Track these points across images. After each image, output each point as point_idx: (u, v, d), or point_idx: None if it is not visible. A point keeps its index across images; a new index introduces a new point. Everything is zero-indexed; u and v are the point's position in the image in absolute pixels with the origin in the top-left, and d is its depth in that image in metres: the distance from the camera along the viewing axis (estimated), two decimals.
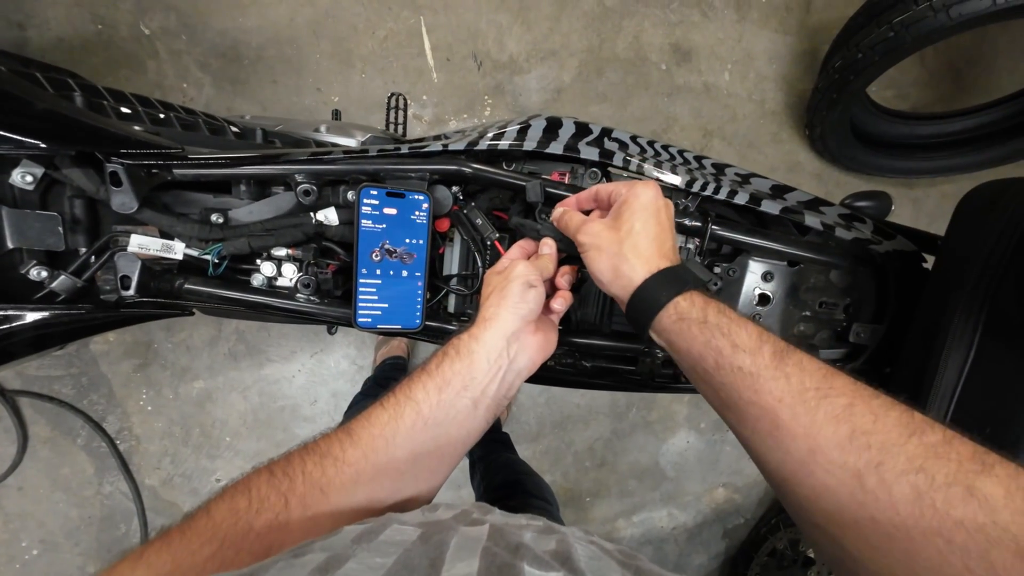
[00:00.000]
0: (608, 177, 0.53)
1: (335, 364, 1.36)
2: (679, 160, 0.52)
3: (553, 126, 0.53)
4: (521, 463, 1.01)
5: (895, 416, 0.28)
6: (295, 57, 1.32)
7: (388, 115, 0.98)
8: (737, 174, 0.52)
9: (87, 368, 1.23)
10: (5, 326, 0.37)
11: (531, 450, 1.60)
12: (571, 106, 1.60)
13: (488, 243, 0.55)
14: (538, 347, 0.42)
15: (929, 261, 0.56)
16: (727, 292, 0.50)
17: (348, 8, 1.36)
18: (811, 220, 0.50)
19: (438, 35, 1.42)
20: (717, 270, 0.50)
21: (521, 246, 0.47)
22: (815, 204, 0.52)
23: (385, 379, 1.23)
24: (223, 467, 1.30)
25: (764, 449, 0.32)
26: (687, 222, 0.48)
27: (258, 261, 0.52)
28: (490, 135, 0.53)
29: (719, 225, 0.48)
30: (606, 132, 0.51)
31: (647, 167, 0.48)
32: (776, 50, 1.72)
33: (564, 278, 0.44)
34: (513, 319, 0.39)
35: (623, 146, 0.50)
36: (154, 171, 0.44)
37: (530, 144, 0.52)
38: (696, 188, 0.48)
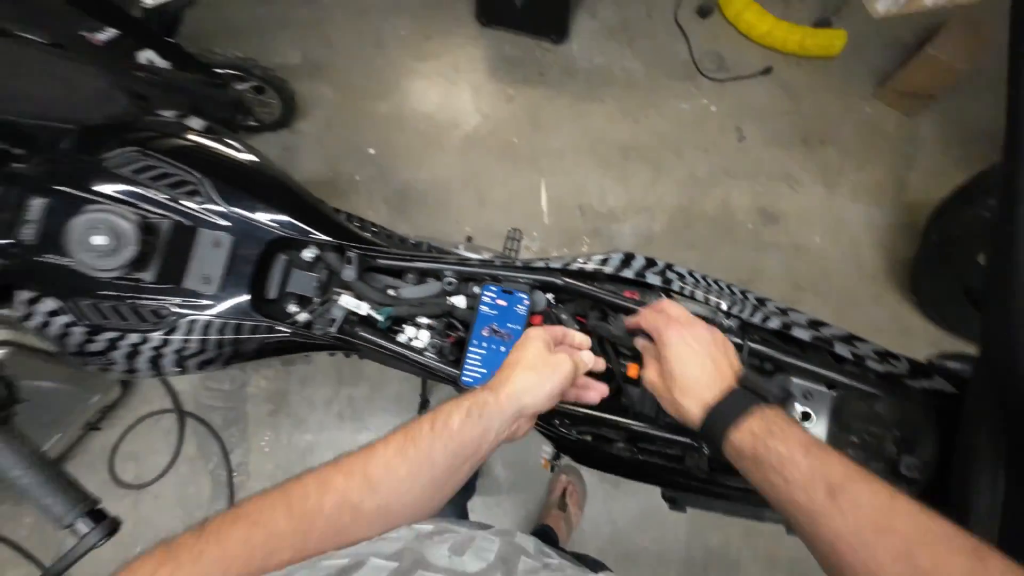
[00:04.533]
0: (671, 298, 0.68)
1: None
2: (726, 292, 0.65)
3: (628, 258, 0.71)
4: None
5: (959, 563, 0.27)
6: (446, 198, 1.79)
7: (506, 243, 1.28)
8: (776, 307, 0.62)
9: (237, 404, 1.55)
10: (273, 335, 0.62)
11: None
12: (660, 252, 1.81)
13: None
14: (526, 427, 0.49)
15: None
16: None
17: (490, 169, 1.84)
18: (841, 349, 0.57)
19: (553, 190, 1.82)
20: None
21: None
22: (849, 338, 0.59)
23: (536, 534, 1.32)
24: None
25: (832, 573, 0.33)
26: (730, 338, 0.59)
27: (405, 325, 0.74)
28: (580, 260, 0.73)
29: (757, 344, 0.57)
30: (668, 266, 0.68)
31: (698, 293, 0.62)
32: (871, 220, 1.81)
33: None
34: (537, 401, 0.45)
35: (681, 277, 0.66)
36: (368, 259, 0.71)
37: (609, 269, 0.70)
38: (734, 311, 0.60)
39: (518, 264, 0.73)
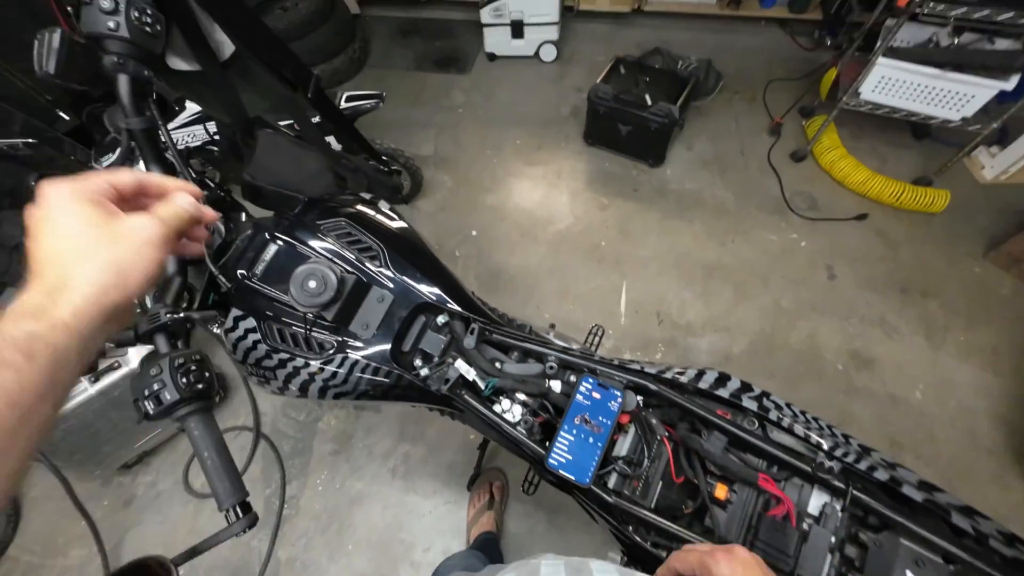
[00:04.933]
0: (763, 427, 0.69)
1: (459, 520, 1.47)
2: (827, 431, 0.65)
3: (723, 378, 0.75)
4: None
5: None
6: (532, 284, 1.94)
7: (589, 337, 1.36)
8: (883, 459, 0.61)
9: (307, 437, 1.65)
10: (399, 382, 0.73)
11: None
12: (737, 374, 1.77)
13: (655, 442, 0.73)
14: None
15: None
16: (874, 564, 0.53)
17: (576, 265, 1.99)
18: (960, 521, 0.53)
19: (633, 294, 1.90)
20: (863, 538, 0.55)
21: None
22: (969, 511, 0.55)
23: (481, 550, 1.29)
24: (334, 573, 1.42)
25: None
26: (832, 481, 0.58)
27: (502, 397, 0.81)
28: (675, 370, 0.78)
29: (862, 493, 0.56)
30: (765, 393, 0.70)
31: (797, 427, 0.64)
32: (985, 387, 1.65)
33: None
34: (125, 294, 0.32)
35: (778, 407, 0.68)
36: (485, 332, 0.82)
37: (703, 385, 0.74)
38: (837, 453, 0.59)
39: (615, 362, 0.80)
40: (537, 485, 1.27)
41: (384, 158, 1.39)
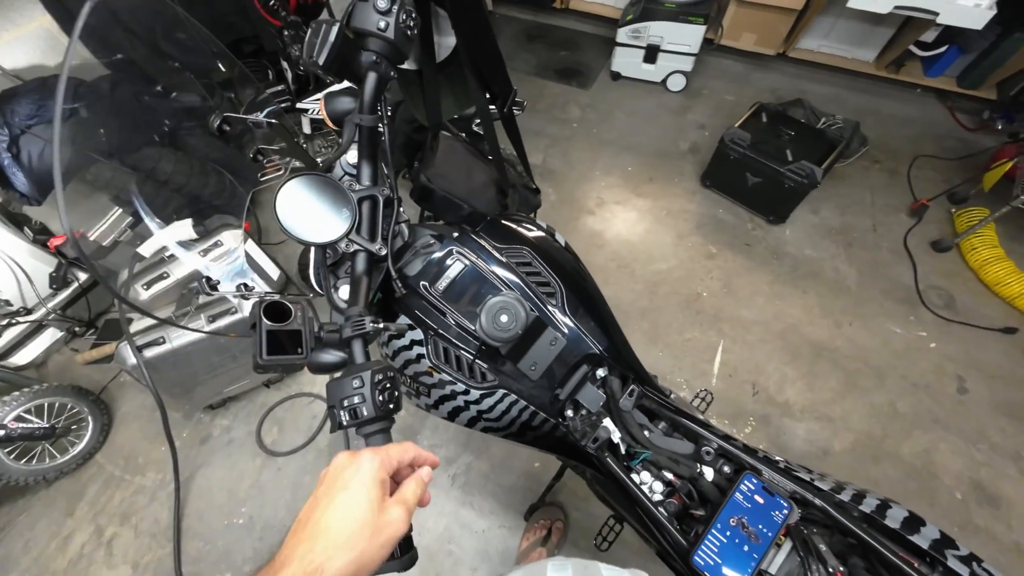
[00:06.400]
0: None
1: (511, 548, 1.43)
2: None
3: (916, 521, 0.65)
4: None
5: None
6: (622, 320, 1.83)
7: (695, 400, 1.27)
8: None
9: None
10: (549, 430, 0.69)
11: None
12: (834, 473, 1.61)
13: (821, 571, 0.64)
14: None
15: None
16: None
17: (673, 312, 1.88)
18: None
19: (729, 356, 1.78)
20: None
21: None
22: None
23: None
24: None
25: None
26: None
27: (642, 469, 0.75)
28: (850, 490, 0.69)
29: None
30: (976, 558, 0.60)
31: None
32: None
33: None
34: None
35: None
36: (641, 398, 0.76)
37: (891, 523, 0.64)
38: None
39: (781, 464, 0.71)
40: (612, 542, 1.20)
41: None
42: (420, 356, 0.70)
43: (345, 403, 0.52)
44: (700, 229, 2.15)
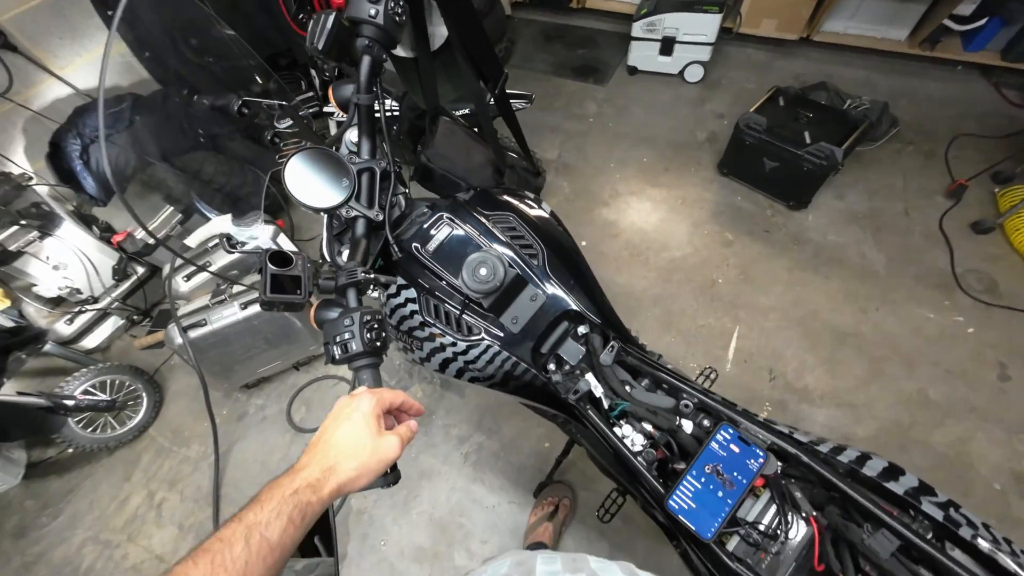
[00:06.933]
0: (943, 544, 0.58)
1: (519, 522, 1.47)
2: None
3: (895, 470, 0.65)
4: None
5: None
6: (636, 308, 1.87)
7: (699, 379, 1.27)
8: None
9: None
10: (531, 380, 0.74)
11: None
12: None
13: (797, 518, 0.66)
14: None
15: None
16: None
17: (685, 298, 1.88)
18: None
19: (745, 342, 1.75)
20: None
21: None
22: None
23: None
24: (395, 535, 1.49)
25: None
26: None
27: (624, 422, 0.78)
28: (830, 444, 0.69)
29: None
30: (953, 504, 0.59)
31: (1002, 557, 0.53)
32: None
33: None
34: (357, 486, 0.46)
35: (972, 525, 0.57)
36: (622, 352, 0.80)
37: (869, 472, 0.65)
38: None
39: (759, 418, 0.73)
40: (614, 514, 1.22)
41: (536, 160, 1.42)
42: (413, 312, 0.77)
43: (337, 339, 0.59)
44: (717, 217, 2.12)
